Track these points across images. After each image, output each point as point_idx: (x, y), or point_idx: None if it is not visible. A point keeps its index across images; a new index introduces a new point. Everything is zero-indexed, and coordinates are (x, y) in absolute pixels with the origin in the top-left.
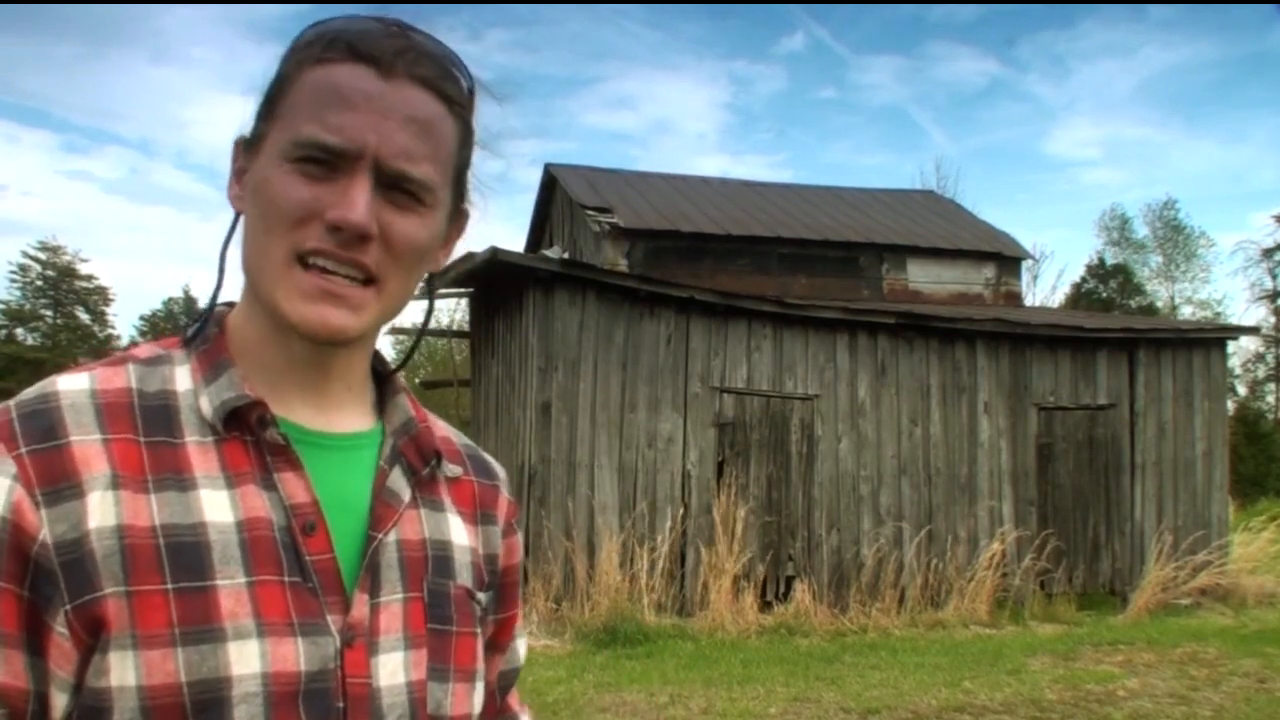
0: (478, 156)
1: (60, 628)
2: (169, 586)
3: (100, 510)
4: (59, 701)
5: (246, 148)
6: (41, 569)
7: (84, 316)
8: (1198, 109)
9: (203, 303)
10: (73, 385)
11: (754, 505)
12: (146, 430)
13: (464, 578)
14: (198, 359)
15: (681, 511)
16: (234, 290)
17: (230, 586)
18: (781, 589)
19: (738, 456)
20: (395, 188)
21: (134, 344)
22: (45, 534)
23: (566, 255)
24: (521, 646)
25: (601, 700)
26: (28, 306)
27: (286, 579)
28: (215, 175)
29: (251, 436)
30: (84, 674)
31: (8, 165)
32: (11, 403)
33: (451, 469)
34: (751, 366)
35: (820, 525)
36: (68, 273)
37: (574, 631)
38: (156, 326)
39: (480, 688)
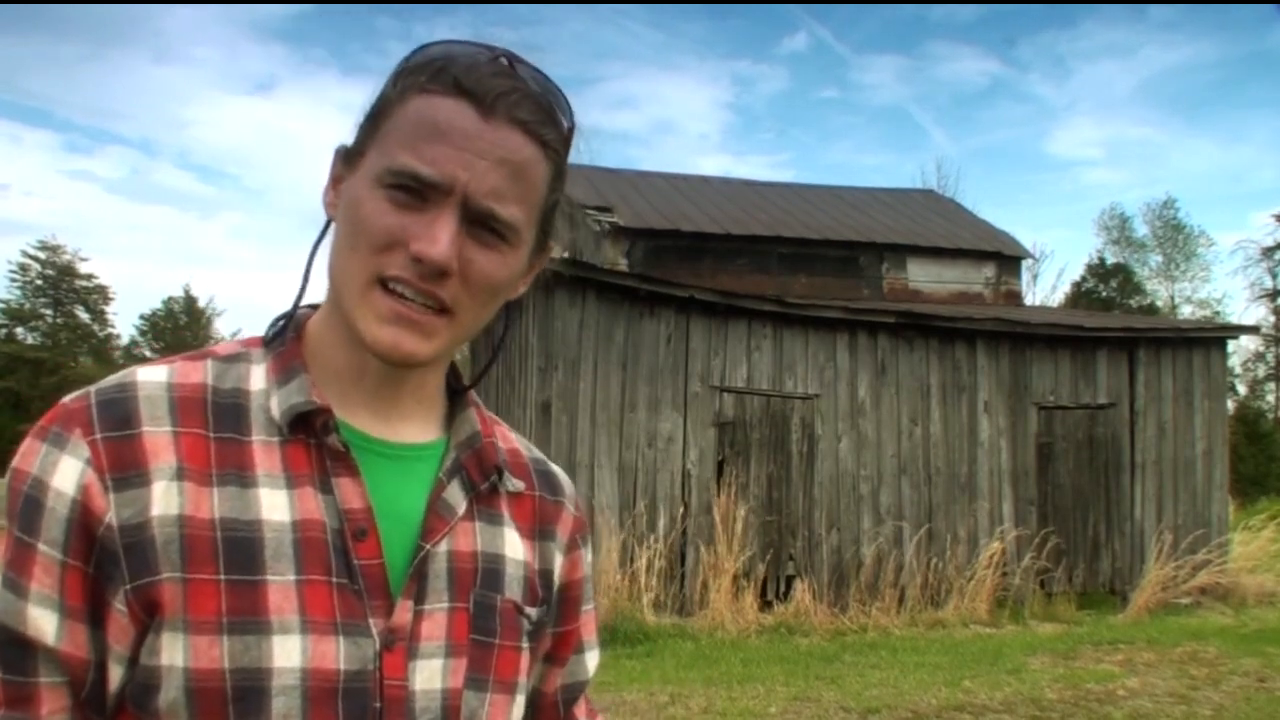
0: None
1: (120, 605)
2: (221, 577)
3: (164, 499)
4: (115, 674)
5: (346, 158)
6: (106, 549)
7: (84, 316)
8: (1198, 109)
9: (217, 302)
10: (151, 377)
11: (754, 505)
12: (216, 425)
13: (513, 592)
14: (274, 360)
15: (681, 511)
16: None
17: (279, 583)
18: (781, 588)
19: (738, 456)
20: (481, 224)
21: (216, 341)
22: (111, 517)
23: (566, 254)
24: (590, 660)
25: (601, 700)
26: (28, 306)
27: (334, 580)
28: (216, 175)
29: (315, 440)
30: (138, 650)
31: (10, 165)
32: (92, 389)
33: (514, 483)
34: (751, 366)
35: (820, 525)
36: (67, 272)
37: None
38: (156, 326)
39: (520, 700)
